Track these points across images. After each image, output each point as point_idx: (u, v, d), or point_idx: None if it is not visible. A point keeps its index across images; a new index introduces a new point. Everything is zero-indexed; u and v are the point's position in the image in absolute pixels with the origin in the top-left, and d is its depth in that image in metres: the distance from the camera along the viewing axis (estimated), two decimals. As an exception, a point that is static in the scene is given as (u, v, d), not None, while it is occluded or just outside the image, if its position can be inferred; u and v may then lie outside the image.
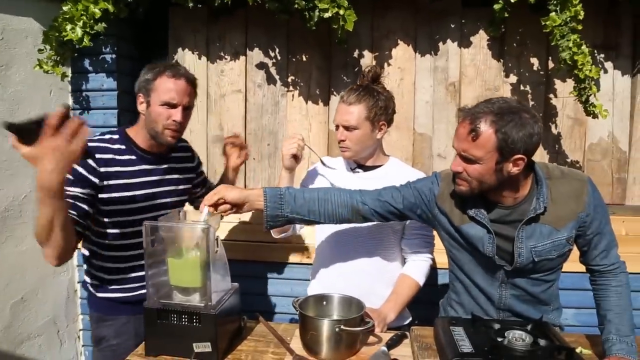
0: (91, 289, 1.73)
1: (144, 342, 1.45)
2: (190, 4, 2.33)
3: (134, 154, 1.67)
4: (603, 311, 1.45)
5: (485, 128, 1.27)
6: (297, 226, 1.89)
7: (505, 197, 1.42)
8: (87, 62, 2.52)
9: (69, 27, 2.28)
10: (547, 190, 1.40)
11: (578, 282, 2.25)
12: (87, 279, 1.74)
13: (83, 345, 2.74)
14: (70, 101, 2.56)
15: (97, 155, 1.58)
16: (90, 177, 1.55)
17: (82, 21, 2.28)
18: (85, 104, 2.55)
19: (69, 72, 2.52)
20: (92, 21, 2.29)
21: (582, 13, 2.00)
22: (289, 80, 2.66)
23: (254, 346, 1.52)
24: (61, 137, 1.14)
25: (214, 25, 2.66)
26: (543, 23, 2.06)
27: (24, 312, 2.38)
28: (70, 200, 1.48)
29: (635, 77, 2.48)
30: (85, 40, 2.29)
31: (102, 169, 1.58)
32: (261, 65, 2.66)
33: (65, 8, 2.30)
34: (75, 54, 2.46)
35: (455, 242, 1.56)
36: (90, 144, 1.52)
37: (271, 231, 1.77)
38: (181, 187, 1.82)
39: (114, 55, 2.50)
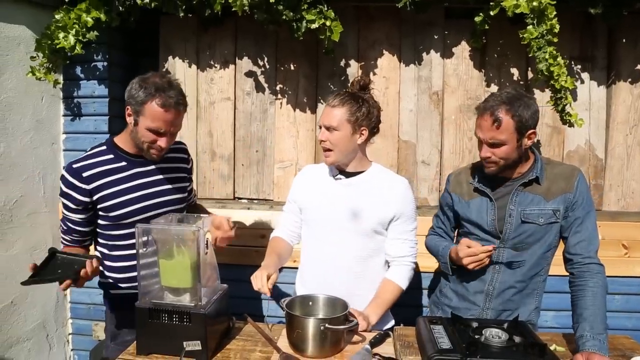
0: (105, 287, 1.85)
1: (135, 342, 1.50)
2: (181, 14, 2.39)
3: (124, 160, 1.74)
4: (579, 310, 1.52)
5: (504, 116, 1.55)
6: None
7: (512, 169, 1.66)
8: (78, 70, 2.57)
9: (61, 35, 2.34)
10: (543, 167, 1.67)
11: (558, 285, 2.32)
12: (101, 279, 1.84)
13: (72, 350, 2.75)
14: (61, 107, 2.60)
15: (84, 174, 1.68)
16: (82, 198, 1.68)
17: (74, 29, 2.33)
18: (77, 111, 2.59)
19: (60, 79, 2.56)
20: (84, 29, 2.35)
21: (557, 26, 2.09)
22: (277, 88, 2.73)
23: (242, 345, 1.57)
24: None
25: (203, 34, 2.72)
26: (521, 35, 2.15)
27: (13, 316, 2.40)
28: (72, 225, 1.72)
29: (610, 87, 2.58)
30: (77, 48, 2.35)
31: (92, 185, 1.68)
32: (250, 74, 2.72)
33: (57, 16, 2.35)
34: (67, 62, 2.51)
35: (465, 221, 1.77)
36: (76, 165, 1.69)
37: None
38: (178, 185, 1.85)
39: (105, 63, 2.55)
